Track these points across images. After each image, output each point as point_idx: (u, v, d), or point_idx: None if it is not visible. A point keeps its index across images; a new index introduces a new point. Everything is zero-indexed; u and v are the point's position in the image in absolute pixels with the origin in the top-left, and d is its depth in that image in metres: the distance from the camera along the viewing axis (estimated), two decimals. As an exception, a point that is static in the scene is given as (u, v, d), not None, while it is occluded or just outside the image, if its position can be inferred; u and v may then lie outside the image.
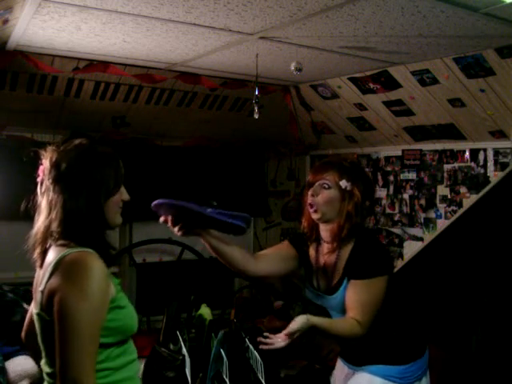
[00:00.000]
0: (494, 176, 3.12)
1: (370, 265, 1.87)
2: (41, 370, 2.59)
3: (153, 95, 3.41)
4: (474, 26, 2.11)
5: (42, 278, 1.39)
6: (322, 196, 1.92)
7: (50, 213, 1.43)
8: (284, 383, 3.15)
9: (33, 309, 1.46)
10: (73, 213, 1.41)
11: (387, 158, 3.81)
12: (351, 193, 1.91)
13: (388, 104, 3.30)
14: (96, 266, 1.34)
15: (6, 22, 2.23)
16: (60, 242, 1.41)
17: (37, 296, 1.40)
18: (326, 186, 1.92)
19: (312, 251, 2.08)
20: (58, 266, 1.35)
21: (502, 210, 3.20)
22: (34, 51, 2.73)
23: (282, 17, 2.07)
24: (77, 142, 1.51)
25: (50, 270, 1.37)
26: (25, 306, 2.92)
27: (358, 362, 2.02)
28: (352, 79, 3.26)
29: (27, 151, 1.53)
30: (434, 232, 3.44)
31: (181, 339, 2.88)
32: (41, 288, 1.37)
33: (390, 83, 3.09)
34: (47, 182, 1.45)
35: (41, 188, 1.48)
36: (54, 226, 1.41)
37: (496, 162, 3.11)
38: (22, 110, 3.20)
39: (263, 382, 2.66)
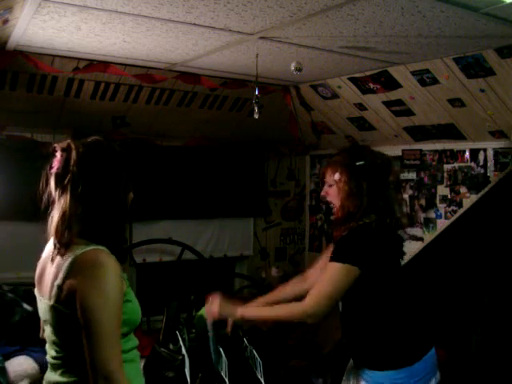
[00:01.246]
0: (494, 176, 3.12)
1: (337, 249, 1.95)
2: (41, 370, 2.60)
3: (153, 95, 3.41)
4: (474, 26, 2.11)
5: (57, 273, 1.43)
6: (329, 193, 2.08)
7: (68, 206, 1.45)
8: (284, 383, 3.15)
9: (42, 300, 1.50)
10: (99, 205, 1.46)
11: (387, 158, 3.80)
12: (339, 183, 2.02)
13: (388, 104, 3.30)
14: (110, 264, 1.41)
15: (6, 21, 2.23)
16: (74, 239, 1.45)
17: (51, 289, 1.43)
18: (329, 185, 2.08)
19: None
20: (74, 263, 1.40)
21: (501, 210, 3.20)
22: (34, 51, 2.73)
23: (282, 17, 2.07)
24: (93, 138, 1.55)
25: (67, 266, 1.41)
26: (25, 306, 2.92)
27: (353, 356, 2.04)
28: (352, 79, 3.26)
29: (45, 149, 1.55)
30: (433, 232, 3.44)
31: (180, 339, 2.88)
32: (58, 282, 1.41)
33: (390, 83, 3.09)
34: (72, 174, 1.45)
35: (57, 180, 1.48)
36: (74, 220, 1.44)
37: (496, 162, 3.11)
38: (22, 110, 3.20)
39: (262, 381, 2.66)
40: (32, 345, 2.75)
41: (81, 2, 1.93)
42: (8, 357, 2.68)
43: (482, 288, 3.37)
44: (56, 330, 1.47)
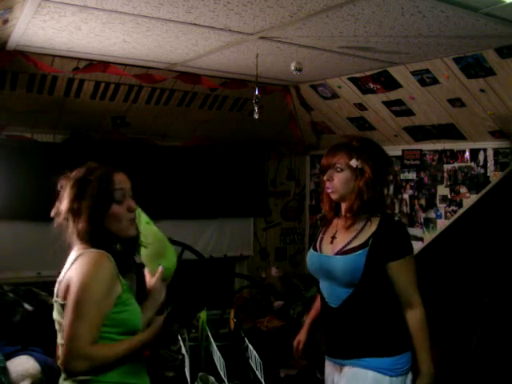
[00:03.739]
0: (494, 176, 3.12)
1: (402, 244, 2.00)
2: (42, 370, 2.61)
3: (153, 95, 3.41)
4: (474, 26, 2.11)
5: (63, 272, 1.64)
6: (338, 179, 2.04)
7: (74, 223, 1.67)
8: (284, 383, 3.15)
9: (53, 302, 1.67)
10: (87, 224, 1.64)
11: (387, 158, 3.81)
12: (362, 170, 2.01)
13: (388, 104, 3.30)
14: (104, 265, 1.60)
15: (5, 21, 2.23)
16: (82, 245, 1.66)
17: (56, 288, 1.64)
18: (339, 169, 2.04)
19: (332, 224, 2.18)
20: (76, 261, 1.61)
21: (501, 210, 3.20)
22: (34, 51, 2.73)
23: (282, 17, 2.07)
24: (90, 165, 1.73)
25: (69, 264, 1.63)
26: (25, 305, 2.92)
27: (346, 354, 2.01)
28: (352, 79, 3.26)
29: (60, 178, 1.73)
30: (434, 232, 3.44)
31: (180, 339, 2.88)
32: (59, 278, 1.64)
33: (390, 83, 3.09)
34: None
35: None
36: (80, 234, 1.65)
37: (496, 162, 3.11)
38: (22, 110, 3.20)
39: (262, 381, 2.66)
40: (33, 345, 2.75)
41: (81, 2, 1.93)
42: (9, 357, 2.68)
43: (482, 288, 3.37)
44: (60, 325, 1.62)
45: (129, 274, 1.82)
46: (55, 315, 1.65)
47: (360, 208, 2.01)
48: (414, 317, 1.97)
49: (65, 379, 1.59)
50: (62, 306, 1.59)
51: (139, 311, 1.75)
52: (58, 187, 1.72)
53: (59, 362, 1.56)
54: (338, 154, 2.04)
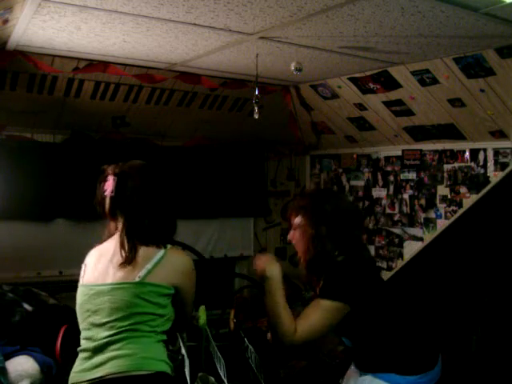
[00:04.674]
0: (494, 176, 3.12)
1: (326, 285, 1.94)
2: (42, 370, 2.60)
3: (153, 95, 3.41)
4: (474, 26, 2.11)
5: (143, 261, 1.76)
6: (294, 238, 2.08)
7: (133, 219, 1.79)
8: (284, 383, 3.15)
9: (112, 282, 1.76)
10: (158, 216, 1.85)
11: (387, 158, 3.81)
12: (303, 227, 2.01)
13: (388, 104, 3.30)
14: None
15: (5, 21, 2.23)
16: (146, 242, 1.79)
17: (137, 271, 1.74)
18: (294, 228, 2.07)
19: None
20: (163, 258, 1.81)
21: (501, 210, 3.20)
22: (33, 51, 2.73)
23: (282, 17, 2.07)
24: (138, 162, 1.87)
25: (157, 258, 1.79)
26: (24, 306, 2.92)
27: (369, 368, 2.02)
28: (352, 79, 3.26)
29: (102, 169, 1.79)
30: (434, 232, 3.44)
31: (180, 339, 2.88)
32: (148, 266, 1.76)
33: (390, 83, 3.09)
34: (131, 198, 1.78)
35: (113, 202, 1.77)
36: (146, 231, 1.80)
37: (496, 162, 3.11)
38: (22, 110, 3.20)
39: (262, 381, 2.66)
40: (32, 345, 2.75)
41: (81, 2, 1.93)
42: (8, 357, 2.67)
43: (482, 288, 3.37)
44: (127, 305, 1.72)
45: None
46: (124, 296, 1.72)
47: (311, 267, 1.99)
48: (293, 324, 1.87)
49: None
50: (144, 285, 1.73)
51: None
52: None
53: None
54: (289, 214, 2.09)
